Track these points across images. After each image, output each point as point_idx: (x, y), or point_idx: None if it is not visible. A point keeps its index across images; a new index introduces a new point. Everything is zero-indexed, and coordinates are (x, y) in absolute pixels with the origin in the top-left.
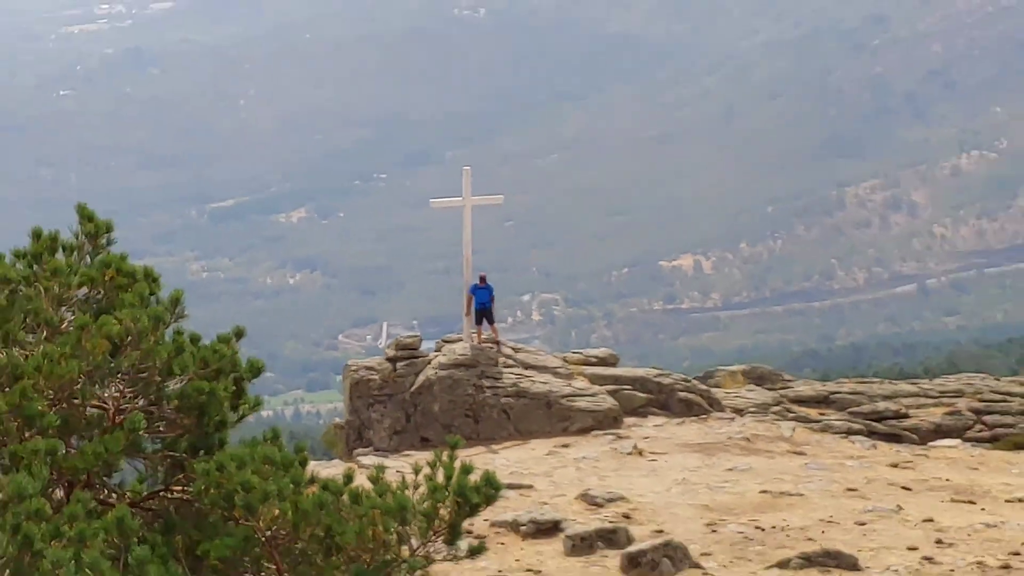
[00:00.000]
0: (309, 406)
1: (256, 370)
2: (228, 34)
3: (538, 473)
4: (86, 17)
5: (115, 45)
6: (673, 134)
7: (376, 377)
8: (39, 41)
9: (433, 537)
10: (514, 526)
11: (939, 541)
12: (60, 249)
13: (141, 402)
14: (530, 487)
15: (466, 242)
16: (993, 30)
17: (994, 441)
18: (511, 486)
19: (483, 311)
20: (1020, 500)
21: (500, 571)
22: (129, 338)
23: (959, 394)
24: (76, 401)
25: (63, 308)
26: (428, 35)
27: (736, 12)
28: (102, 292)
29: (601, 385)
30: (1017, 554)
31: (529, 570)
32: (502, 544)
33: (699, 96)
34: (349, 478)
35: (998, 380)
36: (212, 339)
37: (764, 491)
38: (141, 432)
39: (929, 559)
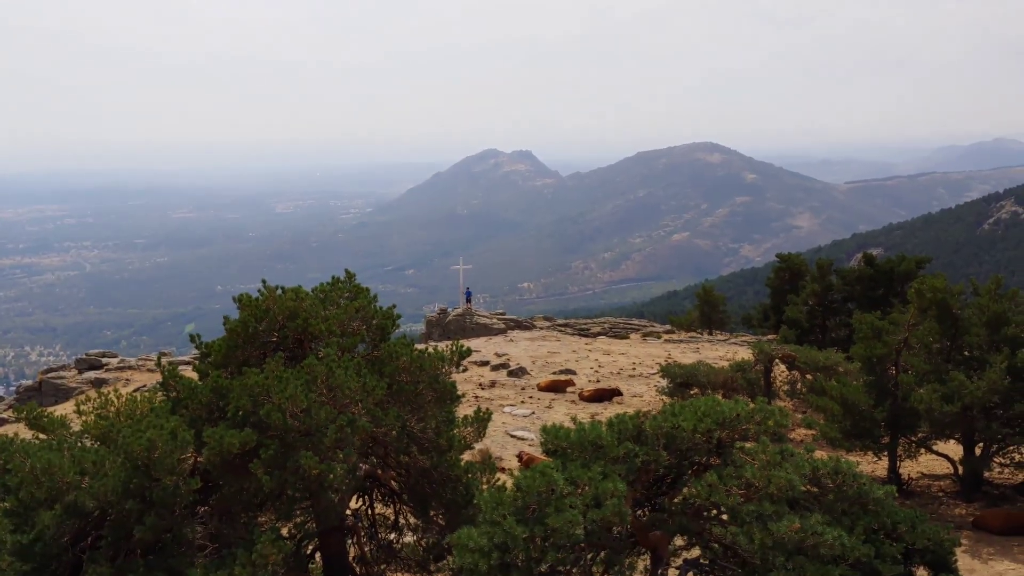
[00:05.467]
0: (415, 328)
1: (398, 316)
2: (386, 218)
3: (481, 348)
4: (345, 209)
5: (362, 221)
6: (518, 248)
7: (435, 318)
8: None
9: (453, 365)
10: (475, 362)
11: (600, 365)
12: (339, 281)
13: (364, 327)
14: (478, 351)
15: (460, 279)
16: (621, 215)
17: (617, 337)
18: (473, 351)
19: (468, 298)
20: (622, 354)
21: (470, 377)
22: (360, 307)
23: (606, 322)
24: (346, 327)
25: (340, 299)
26: (451, 220)
27: (543, 213)
28: (353, 295)
29: (500, 320)
30: (623, 369)
31: (481, 376)
32: (471, 367)
33: (523, 237)
34: (426, 349)
35: (618, 319)
36: (386, 307)
37: (550, 352)
38: (363, 335)
39: (597, 370)
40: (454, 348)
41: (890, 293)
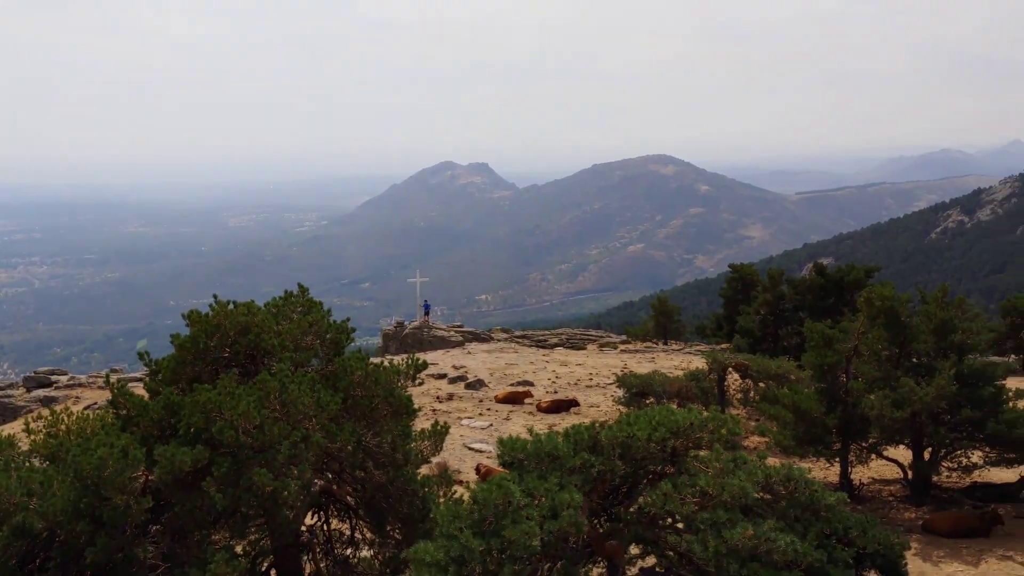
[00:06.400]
0: (372, 341)
1: (352, 330)
2: (342, 231)
3: (439, 360)
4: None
5: (317, 234)
6: (475, 260)
7: (391, 331)
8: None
9: (409, 379)
10: (432, 375)
11: (558, 376)
12: (291, 295)
13: (318, 342)
14: (436, 364)
15: (417, 292)
16: (577, 227)
17: (574, 348)
18: (431, 364)
19: (426, 311)
20: (579, 364)
21: (427, 390)
22: (313, 321)
23: (564, 333)
24: (299, 341)
25: (293, 313)
26: (407, 232)
27: (494, 232)
28: (306, 309)
29: (458, 333)
30: (580, 380)
31: (438, 388)
32: (429, 380)
33: (480, 250)
34: (382, 363)
35: (575, 330)
36: (340, 321)
37: (507, 364)
38: (317, 350)
39: (555, 381)
40: (410, 361)
41: (840, 302)
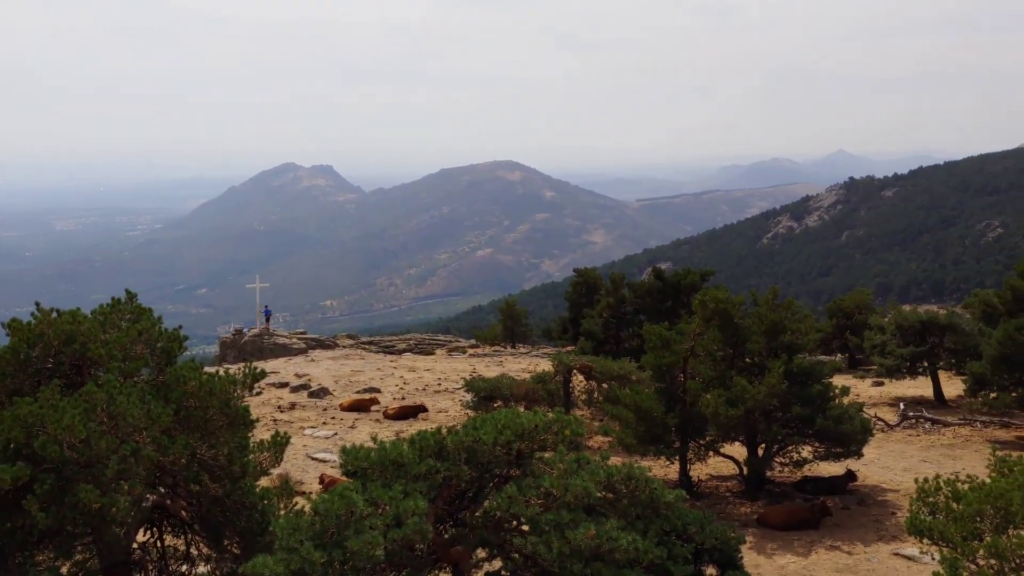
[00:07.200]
0: (209, 350)
1: (185, 338)
2: (177, 235)
3: (280, 369)
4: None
5: (151, 238)
6: (320, 265)
7: (229, 339)
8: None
9: (246, 388)
10: (273, 384)
11: (406, 382)
12: (120, 302)
13: (148, 351)
14: (277, 372)
15: (258, 298)
16: (426, 231)
17: (423, 353)
18: (271, 373)
19: (267, 317)
20: (428, 370)
21: (268, 399)
22: (143, 329)
23: (412, 339)
24: (128, 350)
25: (121, 321)
26: (247, 236)
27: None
28: (135, 316)
29: (301, 340)
30: (429, 385)
31: (280, 398)
32: (270, 389)
33: (325, 254)
34: (217, 372)
35: (423, 335)
36: (172, 329)
37: (353, 371)
38: (147, 360)
39: (403, 387)
40: (247, 370)
41: (677, 305)
